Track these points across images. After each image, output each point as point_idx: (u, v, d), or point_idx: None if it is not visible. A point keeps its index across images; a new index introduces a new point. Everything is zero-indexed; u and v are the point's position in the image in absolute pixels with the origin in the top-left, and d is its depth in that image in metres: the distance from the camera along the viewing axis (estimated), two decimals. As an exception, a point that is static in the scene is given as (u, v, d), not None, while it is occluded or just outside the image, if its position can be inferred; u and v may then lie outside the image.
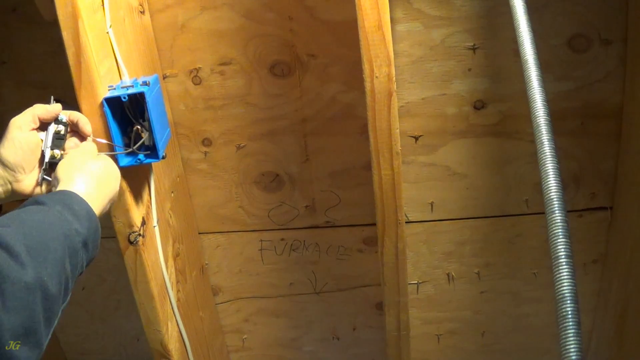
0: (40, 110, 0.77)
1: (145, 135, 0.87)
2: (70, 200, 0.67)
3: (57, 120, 0.79)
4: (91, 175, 0.74)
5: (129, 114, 0.87)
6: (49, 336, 0.57)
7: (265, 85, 1.12)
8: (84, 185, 0.71)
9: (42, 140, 0.77)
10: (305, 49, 1.08)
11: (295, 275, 1.31)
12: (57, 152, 0.78)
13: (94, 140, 0.83)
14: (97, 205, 0.72)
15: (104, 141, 0.85)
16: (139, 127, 0.87)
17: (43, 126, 0.78)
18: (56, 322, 0.58)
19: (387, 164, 0.97)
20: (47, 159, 0.77)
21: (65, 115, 0.80)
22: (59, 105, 0.79)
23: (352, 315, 1.35)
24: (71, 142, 0.81)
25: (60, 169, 0.74)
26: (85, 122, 0.81)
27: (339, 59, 1.08)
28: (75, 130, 0.81)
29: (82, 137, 0.82)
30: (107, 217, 0.93)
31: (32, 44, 1.13)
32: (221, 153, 1.19)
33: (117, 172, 0.80)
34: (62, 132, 0.79)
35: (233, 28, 1.08)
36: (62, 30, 0.82)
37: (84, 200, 0.69)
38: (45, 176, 0.77)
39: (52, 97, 0.80)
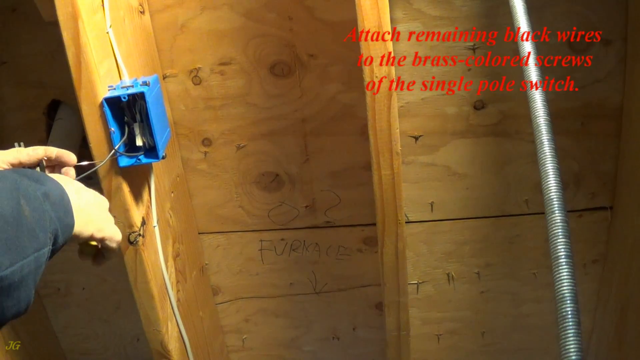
0: (23, 156, 0.75)
1: (140, 136, 0.87)
2: (45, 180, 0.61)
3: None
4: (78, 189, 0.69)
5: (129, 114, 0.87)
6: (20, 272, 0.51)
7: (265, 85, 1.12)
8: (72, 192, 0.65)
9: None
10: (305, 49, 1.08)
11: (295, 275, 1.31)
12: None
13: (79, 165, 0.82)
14: (78, 215, 0.64)
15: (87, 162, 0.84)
16: (138, 127, 0.87)
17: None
18: (25, 258, 0.51)
19: (387, 164, 0.97)
20: None
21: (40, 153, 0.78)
22: (40, 150, 0.78)
23: (352, 315, 1.35)
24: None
25: None
26: (66, 154, 0.79)
27: (339, 59, 1.08)
28: (55, 164, 0.80)
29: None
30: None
31: (32, 44, 1.13)
32: (221, 153, 1.19)
33: (105, 204, 0.74)
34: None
35: (233, 28, 1.08)
36: (62, 30, 0.82)
37: (63, 188, 0.62)
38: None
39: (15, 144, 0.78)
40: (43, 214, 0.55)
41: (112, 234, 0.72)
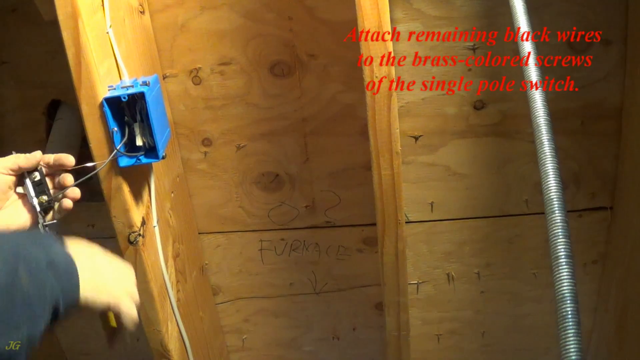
0: (22, 160, 0.75)
1: (140, 136, 0.87)
2: (52, 245, 0.59)
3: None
4: (92, 254, 0.67)
5: (129, 114, 0.87)
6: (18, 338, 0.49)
7: (265, 85, 1.12)
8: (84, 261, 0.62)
9: (17, 194, 0.77)
10: (305, 49, 1.08)
11: (295, 275, 1.31)
12: (44, 197, 0.77)
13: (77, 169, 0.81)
14: (87, 285, 0.60)
15: (92, 163, 0.84)
16: (138, 127, 0.87)
17: (20, 178, 0.77)
18: (17, 333, 0.48)
19: (387, 164, 0.97)
20: (38, 209, 0.77)
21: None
22: (38, 153, 0.78)
23: (352, 315, 1.35)
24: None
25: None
26: (64, 157, 0.78)
27: (339, 59, 1.08)
28: (55, 169, 0.80)
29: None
30: (107, 217, 0.94)
31: (32, 44, 1.13)
32: (221, 153, 1.19)
33: (128, 274, 0.72)
34: (39, 178, 0.78)
35: (233, 28, 1.08)
36: (62, 30, 0.82)
37: (71, 259, 0.59)
38: (45, 224, 0.77)
39: (12, 152, 0.78)
40: (44, 284, 0.52)
41: (129, 309, 0.68)
